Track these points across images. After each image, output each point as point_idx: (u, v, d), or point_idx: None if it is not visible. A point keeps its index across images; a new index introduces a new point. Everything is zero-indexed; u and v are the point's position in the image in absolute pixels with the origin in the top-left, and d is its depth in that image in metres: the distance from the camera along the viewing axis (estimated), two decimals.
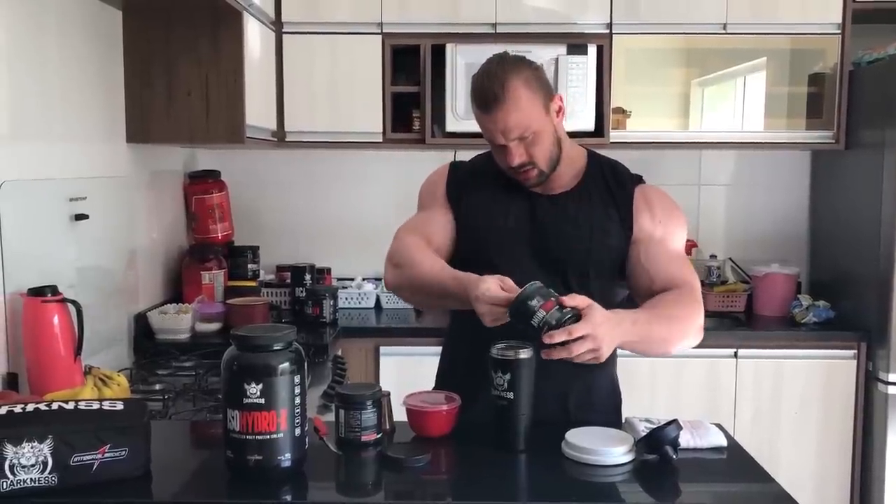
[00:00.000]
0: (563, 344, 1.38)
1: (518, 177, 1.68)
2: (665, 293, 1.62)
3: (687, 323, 1.59)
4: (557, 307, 1.40)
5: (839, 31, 3.09)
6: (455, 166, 1.83)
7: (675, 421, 1.42)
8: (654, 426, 1.44)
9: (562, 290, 1.59)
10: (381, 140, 3.16)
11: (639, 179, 1.75)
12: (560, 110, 1.67)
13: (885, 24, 3.18)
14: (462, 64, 3.05)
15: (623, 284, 1.73)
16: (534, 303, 1.40)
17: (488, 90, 1.60)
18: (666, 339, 1.57)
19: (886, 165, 2.87)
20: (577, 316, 1.41)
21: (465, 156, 1.91)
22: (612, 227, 1.68)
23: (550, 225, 1.69)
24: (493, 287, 1.46)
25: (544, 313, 1.40)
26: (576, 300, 1.42)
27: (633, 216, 1.69)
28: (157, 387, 2.18)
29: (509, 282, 1.48)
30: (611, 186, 1.72)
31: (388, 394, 1.53)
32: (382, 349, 2.98)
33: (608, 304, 1.69)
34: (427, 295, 1.67)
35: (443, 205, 1.77)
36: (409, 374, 2.80)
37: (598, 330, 1.40)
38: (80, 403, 1.36)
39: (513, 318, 1.43)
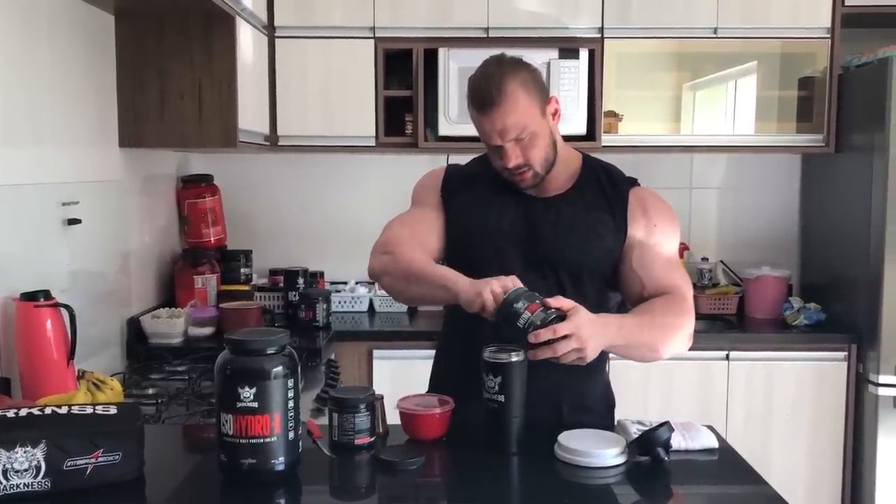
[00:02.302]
0: (548, 343, 1.40)
1: (513, 178, 1.68)
2: (654, 299, 1.63)
3: (675, 330, 1.60)
4: (542, 308, 1.43)
5: (829, 36, 3.11)
6: (451, 168, 1.83)
7: (666, 423, 1.43)
8: (646, 428, 1.45)
9: (555, 293, 1.60)
10: (373, 144, 3.17)
11: (633, 182, 1.76)
12: (556, 113, 1.68)
13: (873, 28, 3.20)
14: (454, 68, 3.06)
15: (616, 288, 1.74)
16: (519, 305, 1.43)
17: (485, 91, 1.61)
18: (652, 345, 1.59)
19: (875, 168, 2.89)
20: (562, 317, 1.43)
21: (458, 160, 1.92)
22: (606, 230, 1.69)
23: (545, 227, 1.69)
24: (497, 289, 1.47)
25: (529, 315, 1.42)
26: (560, 302, 1.45)
27: (628, 220, 1.69)
28: (150, 391, 2.18)
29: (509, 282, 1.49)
30: (605, 189, 1.72)
31: (382, 397, 1.54)
32: (375, 353, 2.98)
33: (601, 307, 1.70)
34: (414, 282, 1.63)
35: (435, 204, 1.77)
36: (402, 377, 2.82)
37: (583, 330, 1.42)
38: (73, 408, 1.36)
39: (500, 321, 1.44)
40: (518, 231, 1.69)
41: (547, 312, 1.43)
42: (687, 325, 1.63)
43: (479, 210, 1.72)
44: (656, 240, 1.69)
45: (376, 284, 3.29)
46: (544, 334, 1.41)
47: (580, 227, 1.68)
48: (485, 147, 1.82)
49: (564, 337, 1.41)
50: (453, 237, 1.75)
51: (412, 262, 1.64)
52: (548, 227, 1.69)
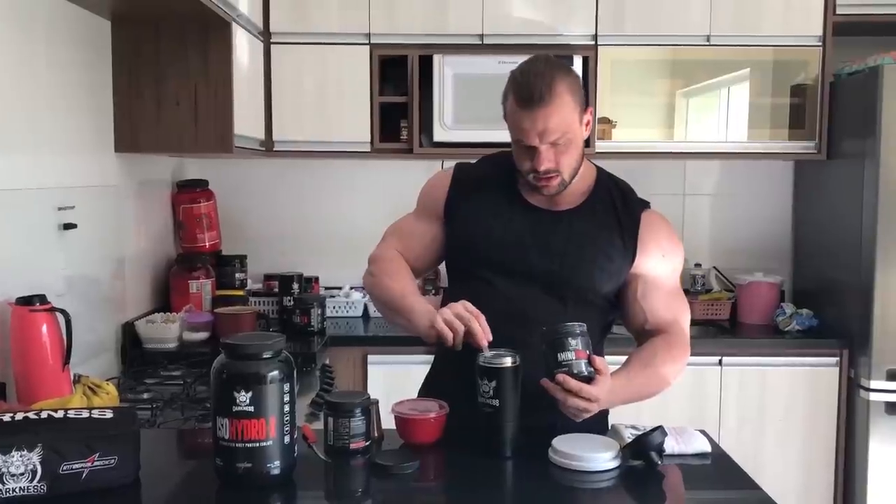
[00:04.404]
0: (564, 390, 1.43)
1: (537, 183, 1.63)
2: (657, 343, 1.65)
3: (673, 376, 1.65)
4: (587, 361, 1.45)
5: (820, 44, 3.13)
6: (460, 169, 1.79)
7: (660, 427, 1.44)
8: (640, 432, 1.46)
9: (558, 310, 1.60)
10: (368, 150, 3.18)
11: (645, 205, 1.73)
12: (588, 124, 1.65)
13: (864, 36, 3.23)
14: (449, 74, 3.07)
15: (616, 308, 1.74)
16: (573, 342, 1.44)
17: (534, 88, 1.55)
18: (652, 393, 1.64)
19: (867, 175, 2.91)
20: (591, 377, 1.45)
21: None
22: (615, 252, 1.67)
23: (555, 242, 1.66)
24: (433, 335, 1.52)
25: (573, 357, 1.44)
26: (600, 364, 1.46)
27: (638, 245, 1.67)
28: (146, 396, 2.19)
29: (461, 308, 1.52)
30: (618, 209, 1.69)
31: (377, 402, 1.54)
32: (370, 357, 2.99)
33: (601, 327, 1.71)
34: (385, 308, 1.70)
35: (435, 214, 1.75)
36: (396, 382, 2.81)
37: (600, 400, 1.46)
38: (69, 412, 1.36)
39: (543, 338, 1.46)
40: (525, 243, 1.66)
41: (587, 369, 1.44)
42: (683, 362, 1.67)
43: (485, 219, 1.69)
44: (663, 269, 1.69)
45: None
46: (572, 385, 1.42)
47: (591, 246, 1.66)
48: (480, 153, 1.83)
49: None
50: (455, 245, 1.73)
51: (386, 289, 1.68)
52: (559, 242, 1.66)
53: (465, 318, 1.50)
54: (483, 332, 1.49)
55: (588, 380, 1.44)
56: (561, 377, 1.43)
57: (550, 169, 1.60)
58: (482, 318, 1.51)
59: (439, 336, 1.51)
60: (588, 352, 1.45)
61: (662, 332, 1.67)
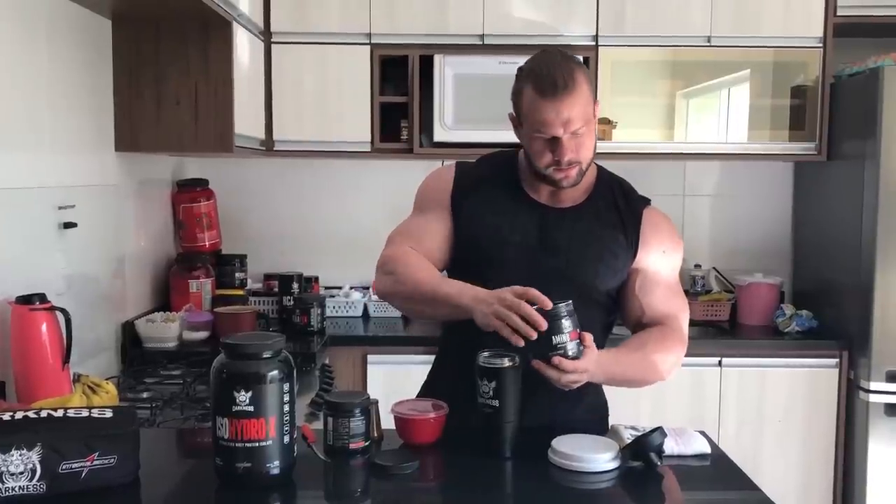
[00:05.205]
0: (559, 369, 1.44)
1: (556, 175, 1.62)
2: (651, 332, 1.65)
3: (665, 364, 1.64)
4: (578, 341, 1.46)
5: (821, 45, 3.13)
6: (461, 167, 1.77)
7: (659, 428, 1.44)
8: (639, 433, 1.46)
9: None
10: (369, 149, 3.18)
11: (646, 202, 1.74)
12: (596, 116, 1.66)
13: (864, 37, 3.23)
14: (450, 74, 3.07)
15: (618, 307, 1.74)
16: (566, 324, 1.45)
17: (557, 77, 1.55)
18: (643, 381, 1.65)
19: (867, 176, 2.91)
20: (581, 354, 1.46)
21: None
22: (619, 248, 1.67)
23: (561, 240, 1.66)
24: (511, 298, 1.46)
25: (567, 339, 1.45)
26: (590, 340, 1.47)
27: (640, 241, 1.68)
28: (145, 395, 2.19)
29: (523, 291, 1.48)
30: (619, 206, 1.70)
31: (377, 402, 1.54)
32: (370, 357, 2.99)
33: (603, 326, 1.71)
34: (420, 302, 1.63)
35: (442, 210, 1.71)
36: (396, 382, 2.82)
37: (589, 370, 1.47)
38: (68, 411, 1.36)
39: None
40: (530, 241, 1.66)
41: (579, 347, 1.46)
42: (677, 354, 1.66)
43: (490, 216, 1.68)
44: (662, 265, 1.70)
45: (370, 289, 3.30)
46: (568, 367, 1.44)
47: (595, 243, 1.66)
48: (480, 153, 1.83)
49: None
50: (461, 242, 1.71)
51: (417, 283, 1.61)
52: (564, 239, 1.66)
53: (508, 315, 1.43)
54: (535, 314, 1.42)
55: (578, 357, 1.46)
56: (557, 360, 1.44)
57: (573, 159, 1.60)
58: (529, 294, 1.44)
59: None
60: (577, 330, 1.47)
61: (659, 326, 1.68)
